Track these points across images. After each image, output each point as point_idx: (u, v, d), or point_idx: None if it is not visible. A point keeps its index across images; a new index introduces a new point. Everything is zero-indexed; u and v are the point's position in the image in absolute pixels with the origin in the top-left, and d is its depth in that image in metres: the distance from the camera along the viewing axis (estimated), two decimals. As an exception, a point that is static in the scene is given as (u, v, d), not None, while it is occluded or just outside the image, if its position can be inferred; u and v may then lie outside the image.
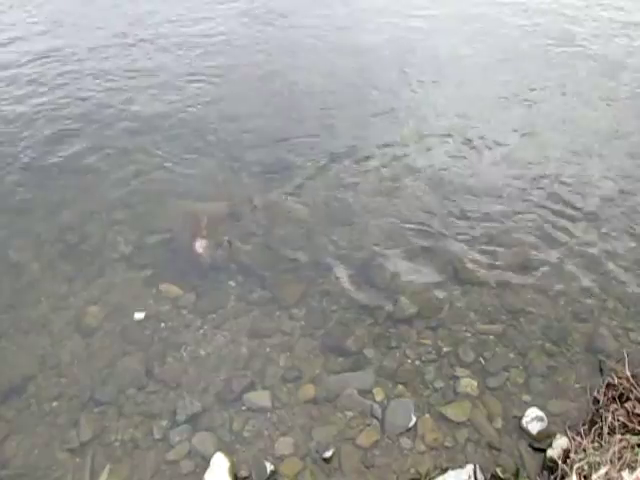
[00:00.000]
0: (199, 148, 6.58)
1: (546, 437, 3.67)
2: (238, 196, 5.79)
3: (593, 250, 5.14)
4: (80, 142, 6.67)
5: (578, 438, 3.47)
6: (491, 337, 4.41)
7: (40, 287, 4.84)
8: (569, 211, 5.60)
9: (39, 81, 7.99)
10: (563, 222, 5.47)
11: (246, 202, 5.72)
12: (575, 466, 3.19)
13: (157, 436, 3.78)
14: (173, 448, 3.71)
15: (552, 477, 3.40)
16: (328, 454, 3.63)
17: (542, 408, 3.84)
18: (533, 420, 3.75)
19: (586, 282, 4.82)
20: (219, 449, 3.65)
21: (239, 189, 5.92)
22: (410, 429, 3.79)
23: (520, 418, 3.80)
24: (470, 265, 4.99)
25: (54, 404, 3.97)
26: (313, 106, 7.43)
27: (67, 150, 6.52)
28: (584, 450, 3.34)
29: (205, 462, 3.58)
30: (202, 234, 5.25)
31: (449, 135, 6.81)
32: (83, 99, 7.56)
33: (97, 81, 8.02)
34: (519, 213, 5.59)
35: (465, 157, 6.43)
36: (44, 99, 7.54)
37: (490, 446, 3.69)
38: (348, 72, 8.29)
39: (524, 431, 3.74)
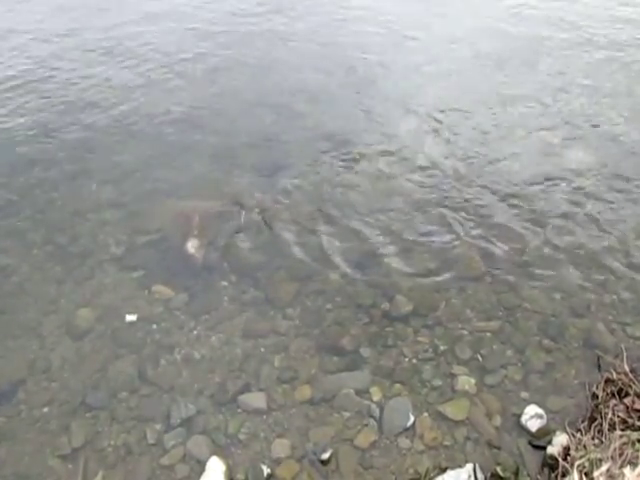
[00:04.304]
0: (190, 147, 6.50)
1: (546, 434, 3.63)
2: (230, 195, 5.72)
3: (589, 245, 5.11)
4: (68, 142, 6.57)
5: (578, 435, 3.44)
6: (488, 334, 4.37)
7: (29, 290, 4.75)
8: (565, 207, 5.57)
9: (24, 79, 7.87)
10: (559, 218, 5.43)
11: (238, 201, 5.65)
12: (576, 463, 3.16)
13: (151, 440, 3.70)
14: (167, 452, 3.64)
15: (553, 475, 3.36)
16: (325, 456, 3.57)
17: (541, 405, 3.81)
18: (532, 417, 3.72)
19: (583, 277, 4.80)
20: (214, 453, 3.59)
21: (231, 188, 5.85)
22: (408, 428, 3.74)
23: (519, 416, 3.76)
24: (466, 262, 4.95)
25: (45, 409, 3.89)
26: (306, 104, 7.36)
27: (55, 149, 6.42)
28: (584, 447, 3.30)
29: (200, 466, 3.52)
30: (194, 234, 5.18)
31: (444, 130, 6.77)
32: (71, 99, 7.45)
33: (85, 80, 7.92)
34: (515, 209, 5.55)
35: (460, 154, 6.39)
36: (30, 98, 7.43)
37: (489, 444, 3.65)
38: (342, 70, 8.22)
39: (523, 429, 3.70)
